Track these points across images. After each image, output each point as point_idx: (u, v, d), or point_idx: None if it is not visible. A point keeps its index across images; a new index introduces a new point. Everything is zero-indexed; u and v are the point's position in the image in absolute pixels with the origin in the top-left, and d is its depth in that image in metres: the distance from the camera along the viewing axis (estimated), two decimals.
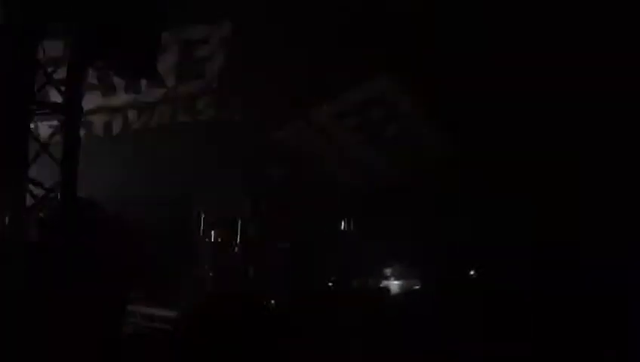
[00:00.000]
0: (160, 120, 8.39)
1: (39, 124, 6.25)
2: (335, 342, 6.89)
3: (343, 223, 8.96)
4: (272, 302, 7.59)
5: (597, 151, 7.29)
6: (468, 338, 6.47)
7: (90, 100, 7.08)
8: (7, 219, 4.86)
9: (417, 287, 9.29)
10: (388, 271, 9.55)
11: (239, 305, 5.60)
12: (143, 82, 7.47)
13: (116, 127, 8.41)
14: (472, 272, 8.80)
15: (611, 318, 6.31)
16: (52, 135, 5.76)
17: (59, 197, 5.13)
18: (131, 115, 8.31)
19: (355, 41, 7.58)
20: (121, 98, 7.89)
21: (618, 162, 7.25)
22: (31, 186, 5.14)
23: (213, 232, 8.29)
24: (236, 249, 8.26)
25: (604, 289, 6.69)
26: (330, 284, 9.03)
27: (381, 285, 9.47)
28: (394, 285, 9.47)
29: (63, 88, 5.35)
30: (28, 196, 5.10)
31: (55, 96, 5.56)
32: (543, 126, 7.49)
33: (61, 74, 5.46)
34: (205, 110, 8.56)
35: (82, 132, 5.94)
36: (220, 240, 8.19)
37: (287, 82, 7.86)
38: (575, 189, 7.43)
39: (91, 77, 6.78)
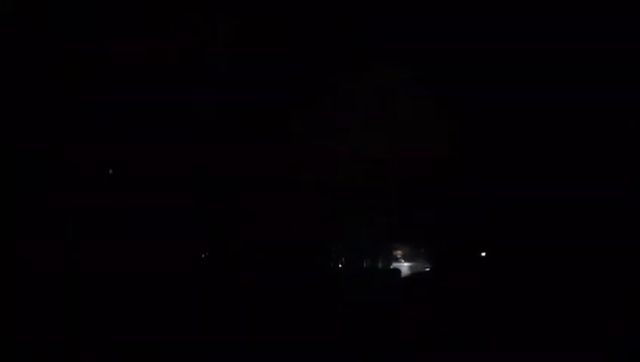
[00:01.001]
0: None
1: None
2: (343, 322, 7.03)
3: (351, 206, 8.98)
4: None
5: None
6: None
7: None
8: None
9: (427, 269, 9.33)
10: (398, 253, 9.58)
11: None
12: None
13: None
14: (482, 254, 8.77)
15: None
16: None
17: None
18: None
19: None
20: None
21: None
22: None
23: None
24: None
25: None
26: (340, 266, 9.13)
27: (392, 266, 9.52)
28: (404, 267, 9.52)
29: None
30: None
31: None
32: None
33: None
34: None
35: None
36: None
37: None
38: None
39: None
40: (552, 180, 7.38)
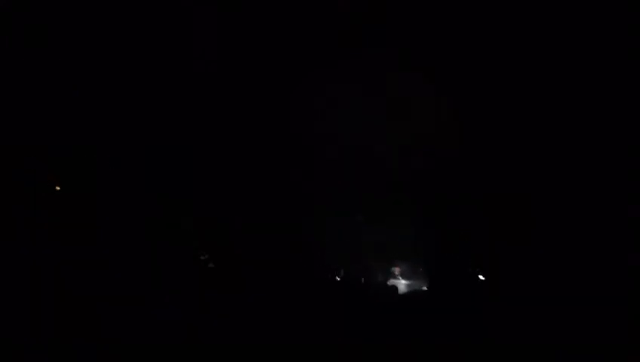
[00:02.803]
0: None
1: None
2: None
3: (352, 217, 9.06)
4: None
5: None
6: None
7: None
8: None
9: (425, 288, 9.29)
10: (396, 270, 9.57)
11: None
12: None
13: None
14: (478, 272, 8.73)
15: None
16: None
17: None
18: None
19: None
20: None
21: None
22: None
23: None
24: None
25: None
26: (338, 278, 9.13)
27: (389, 283, 9.50)
28: (402, 284, 9.50)
29: None
30: None
31: None
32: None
33: None
34: None
35: None
36: None
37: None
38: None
39: None
40: (554, 189, 7.41)
